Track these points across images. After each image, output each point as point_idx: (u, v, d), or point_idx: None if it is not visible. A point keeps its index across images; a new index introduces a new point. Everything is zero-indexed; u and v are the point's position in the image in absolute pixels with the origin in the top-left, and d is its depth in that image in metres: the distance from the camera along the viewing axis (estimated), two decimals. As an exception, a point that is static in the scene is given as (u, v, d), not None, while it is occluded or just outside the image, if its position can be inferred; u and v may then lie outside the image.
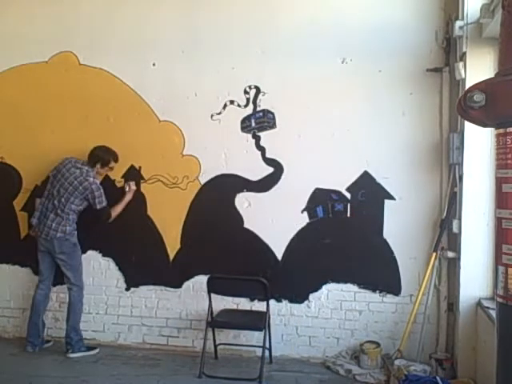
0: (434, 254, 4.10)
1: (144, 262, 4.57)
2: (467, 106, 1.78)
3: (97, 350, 4.40)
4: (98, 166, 4.37)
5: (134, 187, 4.50)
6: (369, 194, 4.29)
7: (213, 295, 4.09)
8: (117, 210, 4.40)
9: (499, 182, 1.81)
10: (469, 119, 1.89)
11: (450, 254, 4.06)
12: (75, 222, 4.37)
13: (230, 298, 4.39)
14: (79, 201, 4.30)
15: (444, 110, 4.16)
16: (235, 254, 4.42)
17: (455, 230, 3.95)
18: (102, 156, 4.36)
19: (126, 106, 4.56)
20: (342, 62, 4.31)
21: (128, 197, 4.46)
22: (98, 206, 4.31)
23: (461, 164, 3.91)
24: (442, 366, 3.93)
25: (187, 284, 4.52)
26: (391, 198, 4.26)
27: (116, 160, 4.43)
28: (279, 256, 4.40)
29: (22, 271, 4.69)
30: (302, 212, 4.37)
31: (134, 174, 4.56)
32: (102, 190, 4.33)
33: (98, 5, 4.60)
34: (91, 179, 4.30)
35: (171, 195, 4.51)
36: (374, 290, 4.31)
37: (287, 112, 4.37)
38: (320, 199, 4.34)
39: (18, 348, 4.39)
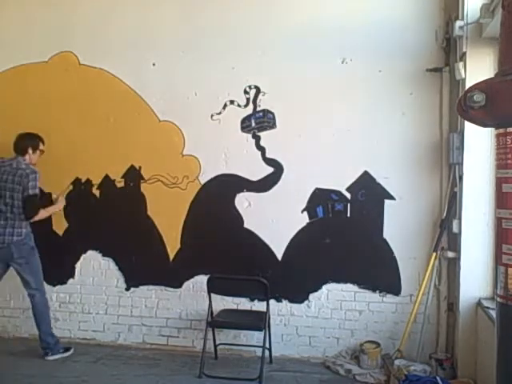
0: (434, 254, 4.10)
1: (144, 262, 4.58)
2: (467, 106, 1.78)
3: (72, 351, 4.33)
4: (30, 151, 4.22)
5: (62, 202, 4.36)
6: (369, 194, 4.29)
7: (213, 295, 4.09)
8: (42, 214, 4.18)
9: (499, 181, 1.81)
10: (469, 119, 1.88)
11: (450, 254, 4.06)
12: (29, 225, 4.18)
13: (230, 298, 4.40)
14: (20, 194, 4.08)
15: (444, 110, 4.16)
16: (235, 253, 4.42)
17: (455, 229, 3.95)
18: (30, 142, 4.23)
19: (126, 106, 4.56)
20: (342, 62, 4.31)
21: (55, 207, 4.33)
22: (31, 192, 4.06)
23: (461, 164, 3.91)
24: (442, 366, 3.93)
25: (187, 284, 4.53)
26: (391, 197, 4.26)
27: (43, 141, 4.31)
28: (279, 256, 4.40)
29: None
30: (302, 212, 4.36)
31: (134, 174, 4.56)
32: (37, 176, 4.11)
33: (98, 5, 4.60)
34: (23, 166, 4.12)
35: (171, 195, 4.51)
36: (374, 290, 4.31)
37: (287, 112, 4.37)
38: (320, 199, 4.34)
39: (17, 348, 4.39)
